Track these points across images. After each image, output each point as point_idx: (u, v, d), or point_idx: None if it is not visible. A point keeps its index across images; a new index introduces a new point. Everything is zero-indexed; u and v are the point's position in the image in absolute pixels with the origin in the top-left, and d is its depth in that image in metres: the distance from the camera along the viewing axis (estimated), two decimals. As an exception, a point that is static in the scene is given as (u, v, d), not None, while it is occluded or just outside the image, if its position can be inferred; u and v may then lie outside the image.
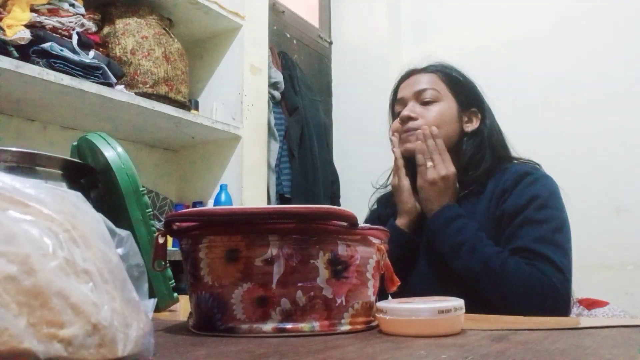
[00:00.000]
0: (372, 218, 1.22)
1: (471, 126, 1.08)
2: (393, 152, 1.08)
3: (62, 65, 1.47)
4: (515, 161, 1.08)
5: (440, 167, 1.01)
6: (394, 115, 1.15)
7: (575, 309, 1.08)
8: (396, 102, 1.13)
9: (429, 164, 1.01)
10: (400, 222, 1.06)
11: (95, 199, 0.71)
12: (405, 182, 1.06)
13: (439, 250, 0.98)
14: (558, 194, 0.97)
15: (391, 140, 1.10)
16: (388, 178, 1.19)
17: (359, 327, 0.51)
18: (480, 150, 1.05)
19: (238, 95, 2.13)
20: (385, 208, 1.19)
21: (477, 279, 0.90)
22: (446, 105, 1.07)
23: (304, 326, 0.48)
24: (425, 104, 1.07)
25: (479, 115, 1.09)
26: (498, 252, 0.91)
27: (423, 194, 1.02)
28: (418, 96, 1.08)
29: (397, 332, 0.48)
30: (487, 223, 0.98)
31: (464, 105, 1.08)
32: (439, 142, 1.02)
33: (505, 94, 2.53)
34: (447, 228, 0.96)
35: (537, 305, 0.85)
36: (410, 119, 1.06)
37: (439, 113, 1.06)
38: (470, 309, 0.53)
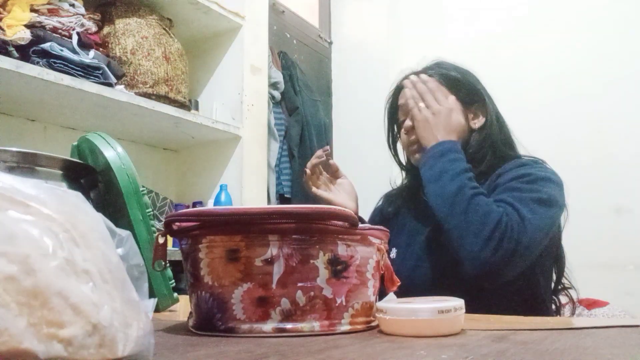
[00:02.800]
0: (374, 214, 1.22)
1: (478, 122, 1.07)
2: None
3: (62, 65, 1.47)
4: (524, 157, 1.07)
5: (432, 104, 1.01)
6: (393, 122, 1.14)
7: (575, 309, 1.07)
8: (398, 109, 1.12)
9: (421, 104, 1.01)
10: None
11: (95, 199, 0.71)
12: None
13: (424, 177, 0.97)
14: (557, 183, 0.96)
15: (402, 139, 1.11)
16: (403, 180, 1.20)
17: (359, 327, 0.51)
18: (482, 147, 1.04)
19: (238, 95, 2.13)
20: (389, 205, 1.18)
21: (448, 202, 0.90)
22: (445, 105, 1.06)
23: (304, 326, 0.48)
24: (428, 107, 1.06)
25: (484, 110, 1.08)
26: (476, 187, 0.92)
27: (419, 133, 1.01)
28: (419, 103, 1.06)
29: (397, 332, 0.48)
30: None
31: (466, 102, 1.07)
32: (430, 84, 1.03)
33: (504, 92, 2.53)
34: (438, 158, 0.96)
35: (485, 234, 0.85)
36: (413, 130, 1.05)
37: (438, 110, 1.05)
38: (470, 309, 0.53)
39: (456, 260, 0.94)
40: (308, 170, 1.10)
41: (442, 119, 1.00)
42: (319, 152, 1.10)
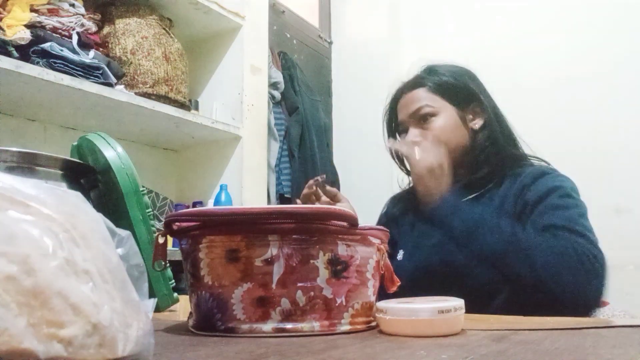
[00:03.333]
0: (380, 220, 1.21)
1: (478, 122, 1.05)
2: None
3: (62, 65, 1.47)
4: (530, 159, 1.06)
5: (426, 156, 0.98)
6: (393, 132, 1.14)
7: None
8: (397, 120, 1.12)
9: (415, 157, 0.99)
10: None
11: (95, 199, 0.71)
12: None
13: (453, 232, 0.92)
14: (578, 191, 0.97)
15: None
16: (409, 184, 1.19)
17: (359, 327, 0.51)
18: (485, 147, 1.02)
19: (238, 95, 2.13)
20: (394, 207, 1.18)
21: (503, 253, 0.85)
22: (445, 115, 1.04)
23: (304, 326, 0.48)
24: (424, 121, 1.04)
25: (480, 105, 1.06)
26: (520, 227, 0.88)
27: (416, 187, 0.99)
28: (414, 117, 1.06)
29: (397, 332, 0.48)
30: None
31: (462, 105, 1.05)
32: (425, 134, 1.02)
33: (504, 93, 2.53)
34: (452, 217, 0.92)
35: (572, 274, 0.80)
36: (414, 144, 1.03)
37: (440, 127, 1.03)
38: (470, 309, 0.53)
39: (465, 265, 0.93)
40: (298, 201, 1.09)
41: (437, 173, 0.96)
42: (310, 182, 1.08)
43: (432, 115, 1.04)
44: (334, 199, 1.12)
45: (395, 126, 1.14)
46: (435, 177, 0.96)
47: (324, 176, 1.10)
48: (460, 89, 1.06)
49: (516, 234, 0.85)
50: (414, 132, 1.05)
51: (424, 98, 1.06)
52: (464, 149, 1.03)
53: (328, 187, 1.10)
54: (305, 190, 1.09)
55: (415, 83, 1.09)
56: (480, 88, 1.07)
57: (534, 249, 0.83)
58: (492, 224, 0.88)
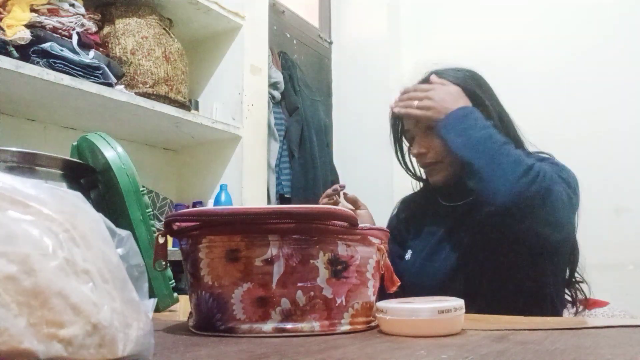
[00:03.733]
0: (390, 221, 1.20)
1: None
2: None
3: (62, 65, 1.47)
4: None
5: (421, 94, 0.99)
6: (399, 137, 1.13)
7: (575, 309, 1.07)
8: (401, 124, 1.11)
9: (414, 103, 0.99)
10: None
11: (95, 199, 0.71)
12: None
13: (447, 137, 0.94)
14: (572, 173, 0.98)
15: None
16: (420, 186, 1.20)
17: (359, 327, 0.51)
18: None
19: (238, 95, 2.13)
20: (404, 210, 1.18)
21: (477, 149, 0.89)
22: None
23: (304, 326, 0.48)
24: (429, 128, 1.01)
25: (486, 110, 1.04)
26: (506, 140, 0.91)
27: (430, 118, 0.98)
28: (417, 124, 1.04)
29: (397, 332, 0.48)
30: None
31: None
32: (410, 88, 1.01)
33: (504, 93, 2.53)
34: (460, 119, 0.94)
35: (518, 174, 0.85)
36: (421, 155, 1.04)
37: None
38: (470, 309, 0.53)
39: (467, 263, 0.93)
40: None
41: (443, 95, 0.97)
42: (329, 191, 1.08)
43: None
44: (355, 205, 1.10)
45: (401, 134, 1.13)
46: (439, 94, 0.97)
47: (344, 185, 1.09)
48: (466, 93, 1.03)
49: (494, 136, 0.90)
50: (418, 143, 1.04)
51: None
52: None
53: (348, 194, 1.10)
54: (324, 200, 1.08)
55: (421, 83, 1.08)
56: (486, 93, 1.05)
57: (502, 148, 0.88)
58: (481, 126, 0.92)
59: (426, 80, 1.06)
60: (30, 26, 1.44)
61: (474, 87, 1.04)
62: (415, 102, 0.99)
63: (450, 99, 0.97)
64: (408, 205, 1.19)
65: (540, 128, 2.27)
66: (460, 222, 1.02)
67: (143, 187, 0.68)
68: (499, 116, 1.04)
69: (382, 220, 1.20)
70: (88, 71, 1.54)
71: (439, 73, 1.06)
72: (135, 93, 1.72)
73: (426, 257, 1.04)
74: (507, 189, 0.85)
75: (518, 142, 1.06)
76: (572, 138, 2.31)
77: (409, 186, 1.25)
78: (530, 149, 1.07)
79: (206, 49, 2.22)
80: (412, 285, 0.98)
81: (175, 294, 0.69)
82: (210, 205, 2.02)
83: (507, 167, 0.86)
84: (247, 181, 2.11)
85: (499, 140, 0.90)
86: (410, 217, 1.16)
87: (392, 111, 1.10)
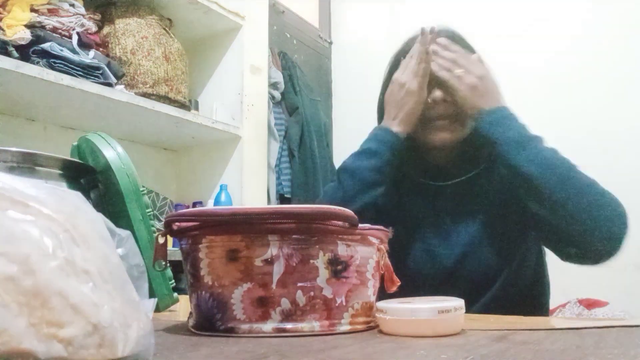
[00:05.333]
0: None
1: None
2: (422, 51, 0.90)
3: (62, 66, 1.47)
4: None
5: (471, 68, 0.88)
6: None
7: (575, 309, 1.08)
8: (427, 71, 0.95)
9: (458, 71, 0.87)
10: (397, 129, 0.91)
11: (95, 199, 0.71)
12: (425, 90, 0.90)
13: (498, 138, 0.85)
14: None
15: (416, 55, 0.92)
16: None
17: (359, 327, 0.51)
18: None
19: (238, 95, 2.13)
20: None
21: (554, 171, 0.81)
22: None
23: (304, 326, 0.48)
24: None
25: None
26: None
27: (468, 104, 0.87)
28: (451, 75, 0.91)
29: (397, 332, 0.48)
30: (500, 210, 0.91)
31: None
32: (454, 47, 0.89)
33: (505, 93, 2.53)
34: (510, 121, 0.86)
35: (609, 213, 0.82)
36: (445, 103, 0.91)
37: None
38: (470, 309, 0.53)
39: (475, 250, 0.89)
40: None
41: (490, 84, 0.89)
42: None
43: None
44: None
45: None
46: (485, 86, 0.88)
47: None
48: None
49: (566, 161, 0.84)
50: (446, 90, 0.91)
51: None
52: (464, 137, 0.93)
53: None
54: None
55: (440, 32, 0.97)
56: None
57: (584, 177, 0.83)
58: (542, 143, 0.85)
59: (452, 32, 0.98)
60: (30, 26, 1.44)
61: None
62: (459, 71, 0.88)
63: (492, 87, 0.89)
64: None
65: (541, 129, 2.28)
66: (458, 205, 0.93)
67: (143, 187, 0.68)
68: None
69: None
70: (88, 71, 1.55)
71: (456, 34, 0.98)
72: (135, 93, 1.72)
73: (428, 245, 0.94)
74: (617, 243, 0.84)
75: None
76: (573, 138, 2.31)
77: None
78: None
79: (206, 49, 2.22)
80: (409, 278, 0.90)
81: (175, 294, 0.69)
82: (210, 205, 2.02)
83: (608, 212, 0.83)
84: (247, 181, 2.11)
85: (571, 165, 0.84)
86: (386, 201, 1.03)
87: (420, 51, 0.92)
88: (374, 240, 0.54)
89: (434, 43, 0.91)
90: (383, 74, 1.05)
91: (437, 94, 0.91)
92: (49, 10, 1.51)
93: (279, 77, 2.47)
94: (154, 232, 0.65)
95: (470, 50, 0.96)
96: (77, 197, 0.34)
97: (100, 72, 1.58)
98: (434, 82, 0.91)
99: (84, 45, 1.58)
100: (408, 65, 0.93)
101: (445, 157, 0.96)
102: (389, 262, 0.57)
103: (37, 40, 1.44)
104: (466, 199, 0.93)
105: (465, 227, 0.92)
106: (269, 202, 2.31)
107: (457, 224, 0.93)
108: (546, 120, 2.36)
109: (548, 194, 0.80)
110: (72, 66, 1.49)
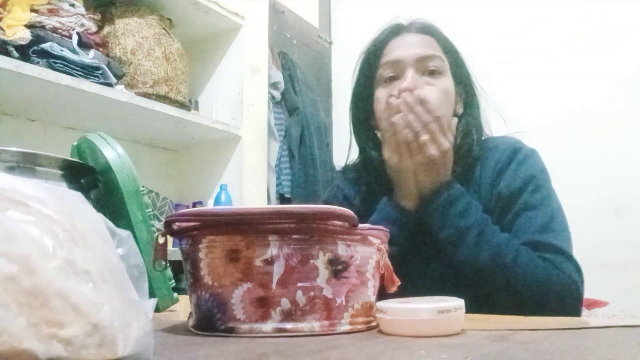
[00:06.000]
0: (335, 195, 1.02)
1: (460, 106, 0.93)
2: (393, 122, 0.84)
3: (62, 66, 1.47)
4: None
5: (440, 139, 0.82)
6: (375, 77, 0.92)
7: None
8: (386, 64, 0.91)
9: (424, 137, 0.82)
10: (405, 204, 0.88)
11: (95, 199, 0.71)
12: (410, 161, 0.84)
13: (438, 236, 0.84)
14: (547, 170, 0.89)
15: (389, 106, 0.86)
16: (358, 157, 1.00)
17: (359, 327, 0.51)
18: (467, 136, 0.90)
19: (238, 95, 2.13)
20: (354, 185, 1.00)
21: (485, 272, 0.80)
22: (449, 81, 0.89)
23: (304, 326, 0.48)
24: (431, 75, 0.88)
25: (468, 92, 0.94)
26: (508, 241, 0.80)
27: (416, 175, 0.85)
28: (422, 64, 0.88)
29: (397, 332, 0.48)
30: None
31: (457, 80, 0.92)
32: (429, 106, 0.82)
33: (505, 93, 2.53)
34: (448, 210, 0.82)
35: (555, 304, 0.77)
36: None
37: (444, 91, 0.87)
38: (470, 308, 0.53)
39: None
40: None
41: (449, 159, 0.84)
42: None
43: (441, 73, 0.89)
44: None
45: (373, 71, 0.93)
46: (443, 161, 0.84)
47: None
48: (460, 61, 0.95)
49: (501, 253, 0.79)
50: (412, 79, 0.85)
51: (435, 48, 0.89)
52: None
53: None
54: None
55: (423, 27, 0.94)
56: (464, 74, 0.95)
57: (517, 273, 0.78)
58: (480, 230, 0.81)
59: (428, 25, 0.94)
60: (30, 26, 1.44)
61: (460, 75, 0.94)
62: (425, 137, 0.82)
63: (449, 162, 0.85)
64: (353, 182, 1.01)
65: (541, 129, 2.28)
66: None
67: (143, 187, 0.68)
68: (477, 100, 0.95)
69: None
70: (88, 71, 1.55)
71: (438, 29, 0.94)
72: (135, 93, 1.72)
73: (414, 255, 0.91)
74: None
75: (481, 131, 0.96)
76: (573, 137, 2.31)
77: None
78: (501, 128, 0.98)
79: (206, 49, 2.22)
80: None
81: (175, 294, 0.69)
82: (210, 205, 2.02)
83: (538, 300, 0.78)
84: (247, 181, 2.11)
85: (508, 258, 0.79)
86: (354, 196, 0.99)
87: (371, 44, 0.90)
88: (374, 240, 0.54)
89: (410, 95, 0.84)
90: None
91: (408, 84, 0.85)
92: (49, 10, 1.51)
93: (279, 77, 2.47)
94: (154, 232, 0.65)
95: (454, 53, 0.93)
96: (77, 197, 0.34)
97: (100, 72, 1.58)
98: (401, 70, 0.87)
99: (84, 45, 1.58)
100: (386, 140, 0.88)
101: None
102: (389, 262, 0.57)
103: (37, 40, 1.44)
104: None
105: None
106: (269, 202, 2.31)
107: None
108: (545, 121, 2.36)
109: (491, 287, 0.80)
110: (72, 66, 1.49)
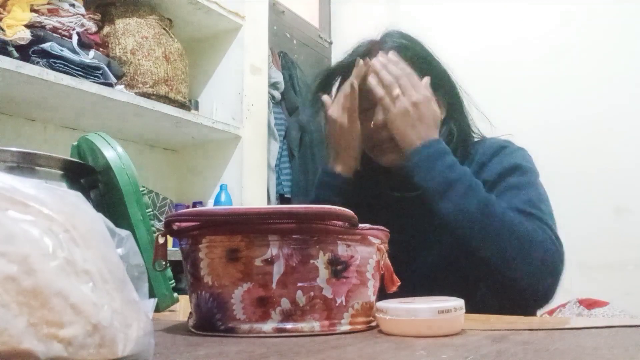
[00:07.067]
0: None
1: (443, 111, 0.92)
2: (351, 83, 0.86)
3: (62, 66, 1.47)
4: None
5: (410, 92, 0.82)
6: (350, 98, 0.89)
7: (575, 309, 1.07)
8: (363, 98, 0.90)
9: (396, 91, 0.82)
10: (340, 169, 0.88)
11: (95, 199, 0.71)
12: (357, 124, 0.85)
13: (421, 185, 0.82)
14: (535, 167, 0.89)
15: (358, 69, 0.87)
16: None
17: (359, 327, 0.51)
18: (450, 141, 0.89)
19: (238, 95, 2.13)
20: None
21: (471, 223, 0.77)
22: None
23: (304, 326, 0.48)
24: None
25: (448, 100, 0.94)
26: (495, 198, 0.79)
27: (395, 130, 0.84)
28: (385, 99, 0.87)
29: (397, 332, 0.48)
30: None
31: (435, 87, 0.90)
32: (401, 65, 0.84)
33: (505, 94, 2.54)
34: (434, 163, 0.81)
35: (538, 262, 0.76)
36: (385, 127, 0.87)
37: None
38: (470, 308, 0.53)
39: (451, 260, 0.87)
40: None
41: (424, 111, 0.83)
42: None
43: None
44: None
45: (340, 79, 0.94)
46: (418, 113, 0.83)
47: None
48: (435, 69, 0.93)
49: (490, 204, 0.77)
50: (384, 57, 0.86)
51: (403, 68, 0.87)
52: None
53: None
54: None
55: (384, 44, 0.93)
56: (451, 75, 0.96)
57: (504, 225, 0.76)
58: (468, 184, 0.79)
59: (389, 40, 0.94)
60: (30, 26, 1.44)
61: (444, 67, 0.95)
62: (397, 91, 0.83)
63: (427, 116, 0.84)
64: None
65: (541, 129, 2.28)
66: (423, 216, 0.88)
67: (143, 187, 0.68)
68: (460, 101, 0.95)
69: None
70: (88, 71, 1.55)
71: (406, 38, 0.94)
72: (135, 93, 1.72)
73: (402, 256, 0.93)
74: (533, 293, 0.78)
75: (472, 126, 0.96)
76: (573, 138, 2.31)
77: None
78: (490, 130, 0.98)
79: (206, 49, 2.22)
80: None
81: (175, 294, 0.69)
82: (210, 205, 2.02)
83: (523, 257, 0.76)
84: (247, 181, 2.11)
85: (497, 210, 0.78)
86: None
87: (352, 83, 0.88)
88: (374, 240, 0.54)
89: (382, 56, 0.86)
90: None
91: (380, 117, 0.88)
92: (49, 10, 1.51)
93: (279, 77, 2.47)
94: (154, 232, 0.65)
95: (428, 59, 0.93)
96: (77, 197, 0.34)
97: (100, 72, 1.58)
98: (376, 104, 0.88)
99: (84, 45, 1.58)
100: (338, 99, 0.89)
101: (398, 173, 0.91)
102: (389, 262, 0.57)
103: (37, 40, 1.44)
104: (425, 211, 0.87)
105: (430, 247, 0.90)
106: (269, 202, 2.31)
107: (422, 236, 0.90)
108: (545, 121, 2.36)
109: (473, 245, 0.78)
110: (72, 66, 1.49)
